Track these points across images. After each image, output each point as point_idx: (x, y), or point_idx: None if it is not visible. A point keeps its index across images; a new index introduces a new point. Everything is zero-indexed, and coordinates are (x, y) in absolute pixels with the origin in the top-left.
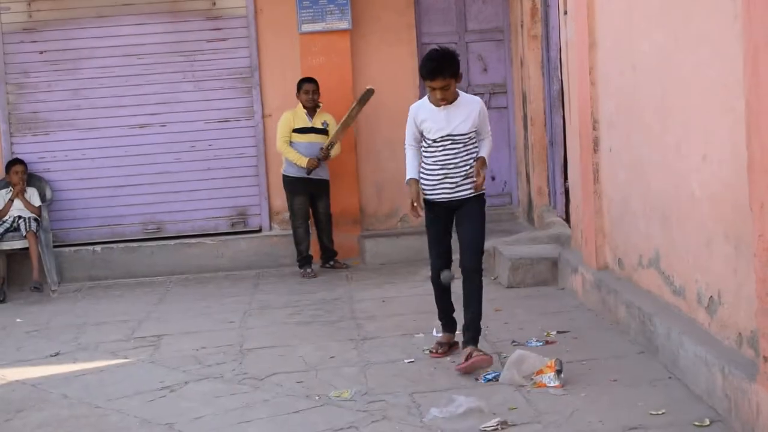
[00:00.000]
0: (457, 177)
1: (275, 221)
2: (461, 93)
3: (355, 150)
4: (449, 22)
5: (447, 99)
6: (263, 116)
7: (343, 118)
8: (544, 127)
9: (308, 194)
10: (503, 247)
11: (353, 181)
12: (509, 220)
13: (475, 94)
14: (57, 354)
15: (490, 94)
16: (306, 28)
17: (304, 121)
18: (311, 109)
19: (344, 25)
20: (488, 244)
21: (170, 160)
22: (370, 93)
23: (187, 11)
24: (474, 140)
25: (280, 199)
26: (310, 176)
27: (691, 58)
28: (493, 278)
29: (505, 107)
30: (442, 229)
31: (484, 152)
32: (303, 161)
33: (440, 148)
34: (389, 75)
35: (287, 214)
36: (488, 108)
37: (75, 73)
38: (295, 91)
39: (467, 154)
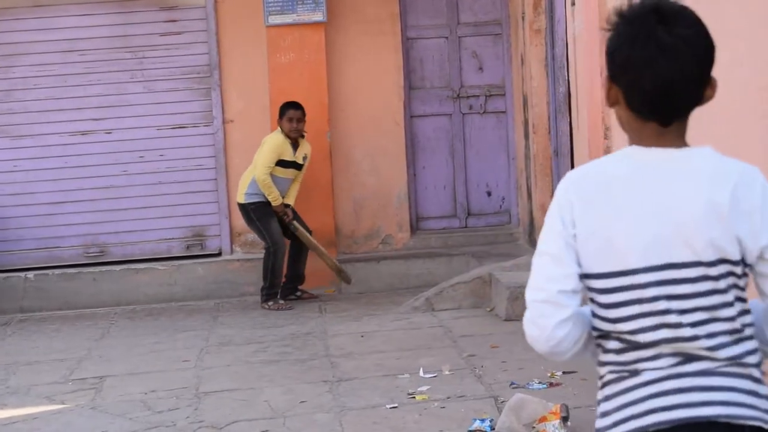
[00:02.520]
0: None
1: (237, 243)
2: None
3: (330, 160)
4: (439, 14)
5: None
6: (224, 122)
7: (316, 247)
8: (548, 134)
9: (278, 218)
10: (500, 274)
11: (327, 196)
12: (507, 242)
13: (468, 97)
14: None
15: (486, 96)
16: (274, 20)
17: (289, 153)
18: (293, 140)
19: (318, 16)
20: (483, 270)
21: (116, 173)
22: (344, 277)
23: (136, 1)
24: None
25: (242, 219)
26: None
27: (722, 57)
28: (488, 309)
29: (503, 112)
30: None
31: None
32: (278, 201)
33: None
34: (370, 74)
35: (251, 236)
36: (484, 112)
37: (6, 72)
38: (277, 116)
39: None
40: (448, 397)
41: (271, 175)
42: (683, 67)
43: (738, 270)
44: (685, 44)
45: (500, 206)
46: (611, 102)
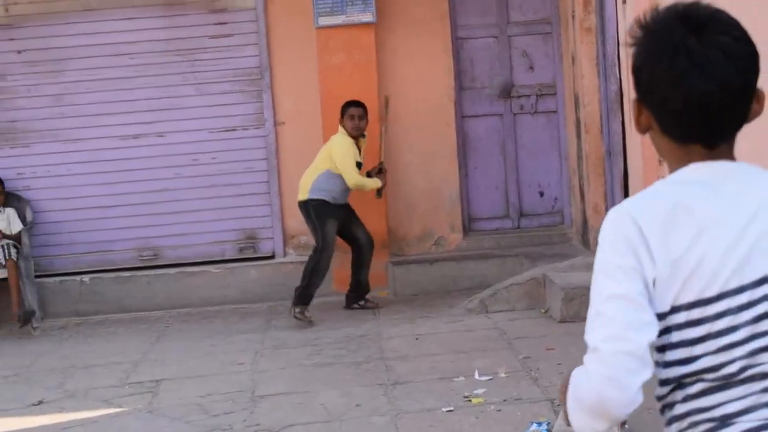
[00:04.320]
0: None
1: (290, 246)
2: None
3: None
4: (489, 13)
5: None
6: (275, 124)
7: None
8: (601, 134)
9: (338, 220)
10: (554, 275)
11: (380, 199)
12: (561, 243)
13: (519, 97)
14: (40, 402)
15: (536, 96)
16: (324, 21)
17: (356, 154)
18: (356, 139)
19: (368, 17)
20: (537, 271)
21: (169, 176)
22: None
23: (186, 3)
24: None
25: (295, 220)
26: (337, 203)
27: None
28: (543, 311)
29: (554, 111)
30: None
31: None
32: (378, 183)
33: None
34: (420, 74)
35: (304, 238)
36: (535, 112)
37: (58, 76)
38: (339, 116)
39: None
40: (504, 400)
41: (337, 179)
42: (722, 80)
43: None
44: (722, 53)
45: (553, 206)
46: (642, 128)
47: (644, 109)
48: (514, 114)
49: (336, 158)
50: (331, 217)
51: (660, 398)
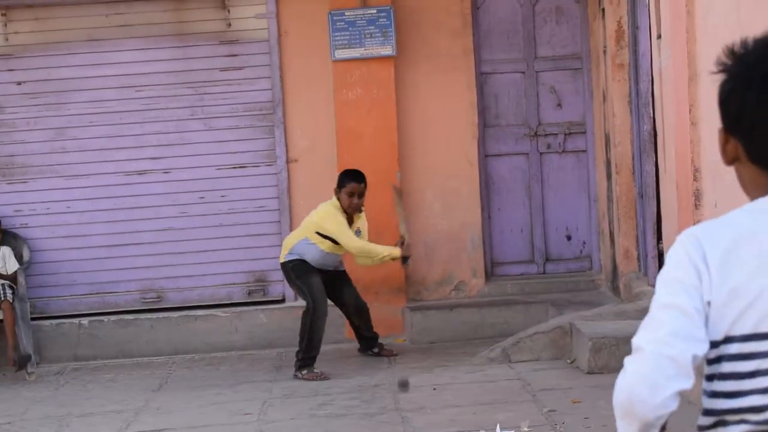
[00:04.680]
0: None
1: None
2: None
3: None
4: (515, 48)
5: None
6: (287, 161)
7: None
8: (632, 175)
9: (323, 279)
10: (582, 324)
11: (397, 240)
12: (589, 290)
13: (546, 135)
14: None
15: (565, 134)
16: (341, 54)
17: (345, 223)
18: (350, 215)
19: (387, 50)
20: (563, 319)
21: (175, 215)
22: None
23: (196, 34)
24: None
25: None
26: (326, 268)
27: None
28: (569, 362)
29: (583, 151)
30: None
31: None
32: (396, 251)
33: None
34: (442, 111)
35: None
36: (563, 151)
37: (60, 109)
38: (335, 186)
39: None
40: None
41: (318, 248)
42: None
43: None
44: None
45: (581, 251)
46: (729, 158)
47: (731, 138)
48: (541, 153)
49: (329, 229)
50: (313, 273)
51: (701, 429)
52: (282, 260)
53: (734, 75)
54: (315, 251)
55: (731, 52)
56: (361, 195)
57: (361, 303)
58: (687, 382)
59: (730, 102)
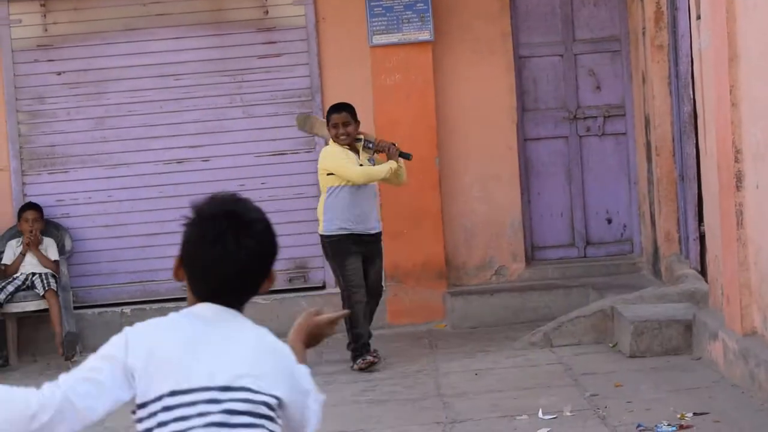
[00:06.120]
0: None
1: None
2: None
3: (439, 187)
4: (553, 31)
5: None
6: None
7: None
8: (673, 157)
9: (360, 254)
10: (623, 307)
11: (436, 225)
12: (630, 273)
13: (585, 118)
14: None
15: (604, 117)
16: (378, 40)
17: (353, 160)
18: (350, 147)
19: (425, 35)
20: (605, 303)
21: None
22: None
23: (233, 22)
24: None
25: None
26: (360, 232)
27: None
28: (611, 345)
29: (623, 133)
30: None
31: None
32: (393, 163)
33: None
34: (480, 95)
35: None
36: (602, 134)
37: (99, 98)
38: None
39: None
40: None
41: (341, 193)
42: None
43: None
44: (246, 250)
45: (621, 234)
46: (180, 277)
47: (182, 268)
48: (580, 136)
49: (329, 166)
50: (351, 254)
51: None
52: (321, 231)
53: (195, 228)
54: (341, 198)
55: (195, 208)
56: (345, 124)
57: (379, 289)
58: None
59: (189, 245)
